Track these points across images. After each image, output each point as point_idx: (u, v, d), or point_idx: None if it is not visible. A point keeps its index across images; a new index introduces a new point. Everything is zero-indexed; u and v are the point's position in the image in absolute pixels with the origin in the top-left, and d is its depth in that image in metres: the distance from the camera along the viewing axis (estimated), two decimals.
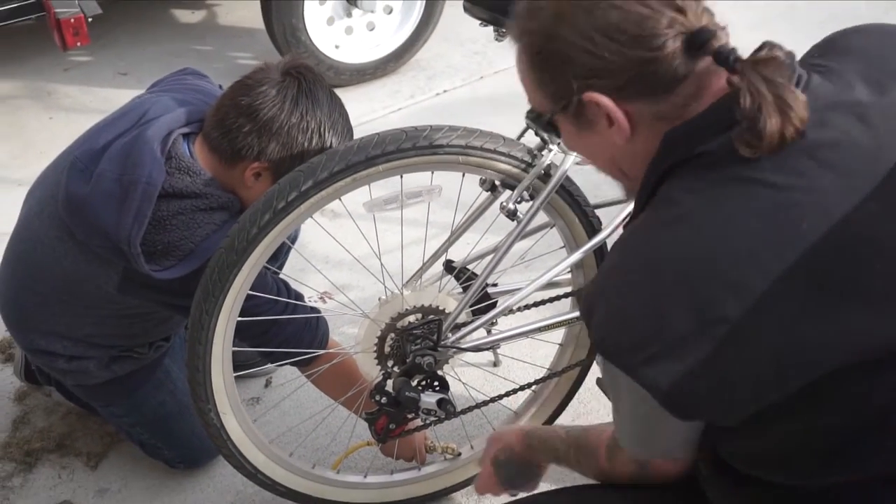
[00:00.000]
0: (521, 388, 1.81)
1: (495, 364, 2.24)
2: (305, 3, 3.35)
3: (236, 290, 1.49)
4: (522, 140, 1.61)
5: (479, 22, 1.66)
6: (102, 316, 1.77)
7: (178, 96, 1.73)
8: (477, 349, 1.70)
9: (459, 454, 1.91)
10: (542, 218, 1.69)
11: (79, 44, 3.04)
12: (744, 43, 1.03)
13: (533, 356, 2.13)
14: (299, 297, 1.75)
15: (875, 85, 1.02)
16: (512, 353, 2.15)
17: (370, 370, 1.69)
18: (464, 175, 1.60)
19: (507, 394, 1.78)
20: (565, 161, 1.58)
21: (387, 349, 1.66)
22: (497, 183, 1.63)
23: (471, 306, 1.67)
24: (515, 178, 1.58)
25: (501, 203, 1.59)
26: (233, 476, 1.94)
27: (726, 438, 1.06)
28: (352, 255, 1.92)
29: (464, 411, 1.74)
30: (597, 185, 1.73)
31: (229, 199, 1.65)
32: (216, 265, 1.47)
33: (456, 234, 1.73)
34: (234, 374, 1.62)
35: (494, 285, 1.76)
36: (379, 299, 1.66)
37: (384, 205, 1.59)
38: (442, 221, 1.92)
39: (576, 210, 1.65)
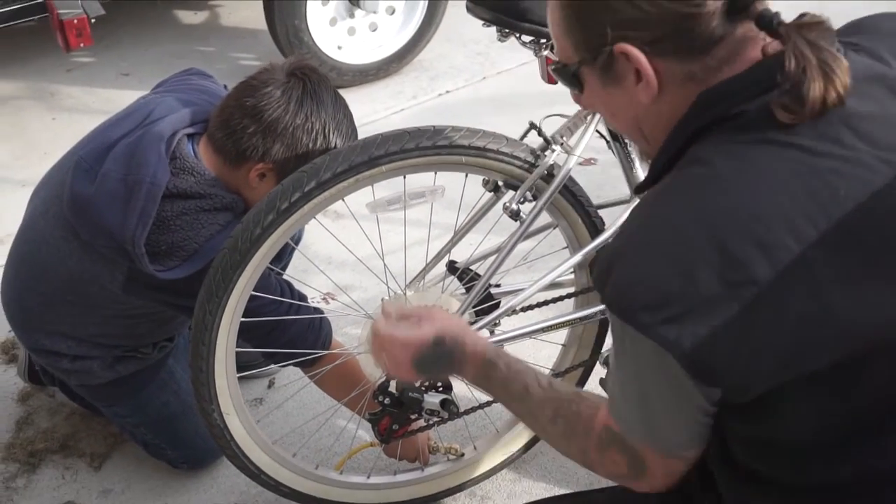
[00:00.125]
0: None
1: None
2: (308, 3, 3.36)
3: (240, 291, 1.50)
4: (525, 141, 1.62)
5: (482, 22, 1.66)
6: (107, 316, 1.78)
7: (182, 97, 1.73)
8: None
9: (462, 455, 1.91)
10: (545, 218, 1.69)
11: (82, 45, 3.04)
12: None
13: (536, 357, 2.13)
14: (303, 297, 1.75)
15: None
16: (515, 354, 2.15)
17: (373, 371, 1.69)
18: (467, 176, 1.60)
19: None
20: (568, 161, 1.58)
21: None
22: (500, 183, 1.63)
23: (474, 307, 1.67)
24: (518, 178, 1.58)
25: (504, 203, 1.59)
26: (236, 477, 1.94)
27: (737, 423, 1.03)
28: (355, 255, 1.92)
29: (467, 412, 1.74)
30: (600, 185, 1.74)
31: (233, 199, 1.66)
32: (220, 266, 1.47)
33: (459, 235, 1.73)
34: (238, 375, 1.62)
35: (497, 286, 1.76)
36: (382, 300, 1.66)
37: (387, 205, 1.59)
38: (445, 222, 1.92)
39: (579, 210, 1.65)
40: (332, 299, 2.43)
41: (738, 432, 1.05)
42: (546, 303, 1.78)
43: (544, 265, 1.78)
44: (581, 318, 1.71)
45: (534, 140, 1.62)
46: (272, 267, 1.60)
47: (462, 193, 1.67)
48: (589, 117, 1.62)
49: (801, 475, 1.02)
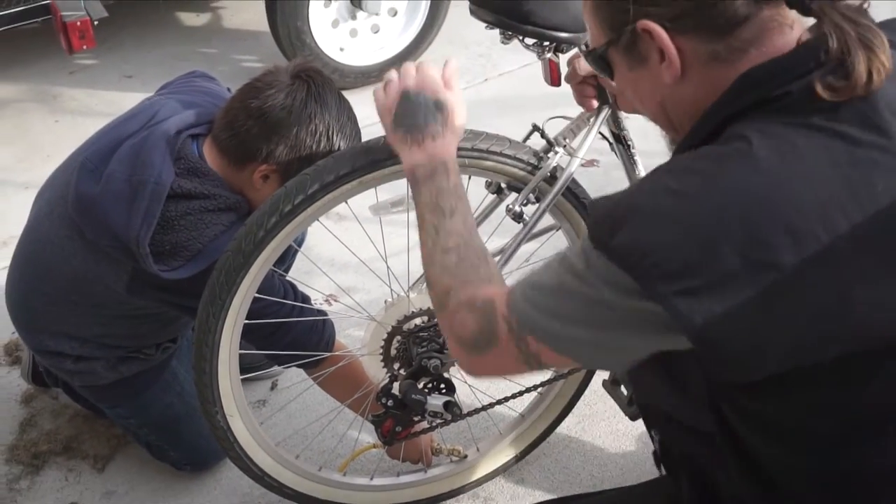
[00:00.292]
0: (527, 390, 1.81)
1: None
2: (310, 5, 3.36)
3: (243, 293, 1.50)
4: (528, 143, 1.62)
5: (485, 25, 1.67)
6: (111, 316, 1.78)
7: (187, 98, 1.74)
8: None
9: (466, 456, 1.91)
10: (548, 220, 1.69)
11: (84, 47, 3.04)
12: None
13: None
14: (306, 299, 1.75)
15: None
16: None
17: (376, 373, 1.69)
18: (469, 177, 1.60)
19: (513, 396, 1.78)
20: (571, 163, 1.58)
21: (393, 352, 1.66)
22: (503, 185, 1.63)
23: None
24: (521, 180, 1.59)
25: (507, 206, 1.59)
26: (239, 478, 1.94)
27: (745, 395, 1.01)
28: (358, 257, 1.92)
29: (470, 413, 1.75)
30: (602, 187, 1.73)
31: (238, 200, 1.66)
32: (223, 268, 1.48)
33: None
34: (241, 377, 1.62)
35: None
36: (385, 302, 1.67)
37: (390, 207, 1.59)
38: None
39: (582, 212, 1.65)
40: (335, 301, 2.43)
41: (743, 407, 1.04)
42: None
43: None
44: None
45: (536, 142, 1.62)
46: (275, 269, 1.60)
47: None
48: (591, 119, 1.62)
49: (800, 463, 1.02)
